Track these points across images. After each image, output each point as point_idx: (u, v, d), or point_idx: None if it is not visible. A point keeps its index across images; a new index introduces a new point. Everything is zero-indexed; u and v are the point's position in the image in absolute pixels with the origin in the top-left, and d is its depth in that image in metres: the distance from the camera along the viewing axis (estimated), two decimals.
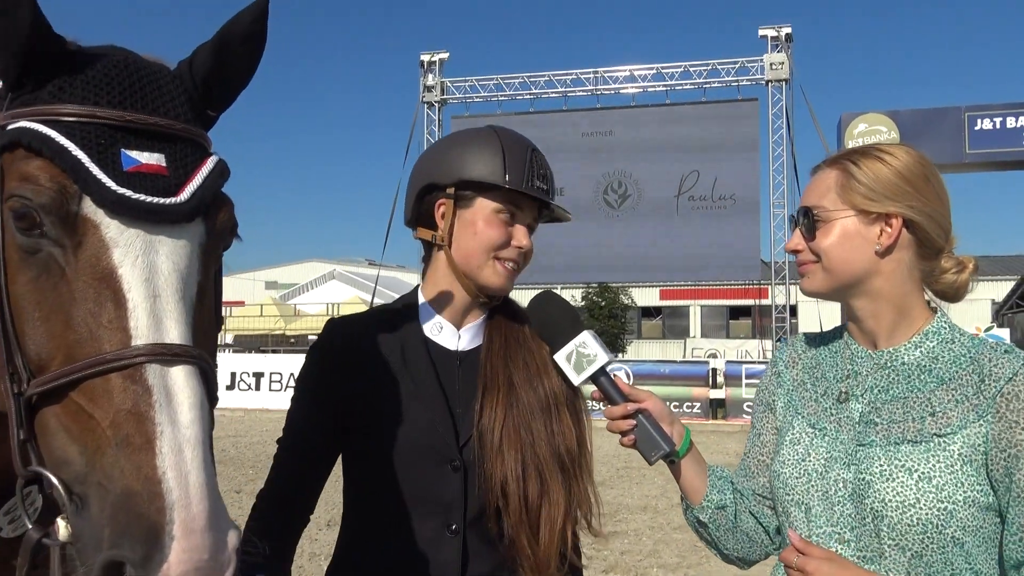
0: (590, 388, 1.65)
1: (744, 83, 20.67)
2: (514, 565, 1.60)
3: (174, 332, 1.10)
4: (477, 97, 22.20)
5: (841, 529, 1.48)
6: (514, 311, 1.79)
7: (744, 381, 16.74)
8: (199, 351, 1.12)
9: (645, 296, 34.22)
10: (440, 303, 1.72)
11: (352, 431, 1.63)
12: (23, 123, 1.11)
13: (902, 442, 1.45)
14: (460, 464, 1.60)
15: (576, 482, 1.66)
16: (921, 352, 1.50)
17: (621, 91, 21.45)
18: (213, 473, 1.05)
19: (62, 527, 1.05)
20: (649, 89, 21.29)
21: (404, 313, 1.73)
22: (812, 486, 1.51)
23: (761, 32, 20.36)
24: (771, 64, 20.14)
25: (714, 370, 17.41)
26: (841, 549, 1.47)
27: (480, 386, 1.65)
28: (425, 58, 22.15)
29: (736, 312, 35.98)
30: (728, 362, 18.05)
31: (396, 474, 1.58)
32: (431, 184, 1.70)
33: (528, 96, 21.80)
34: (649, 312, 37.60)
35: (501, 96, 21.94)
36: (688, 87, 21.09)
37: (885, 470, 1.43)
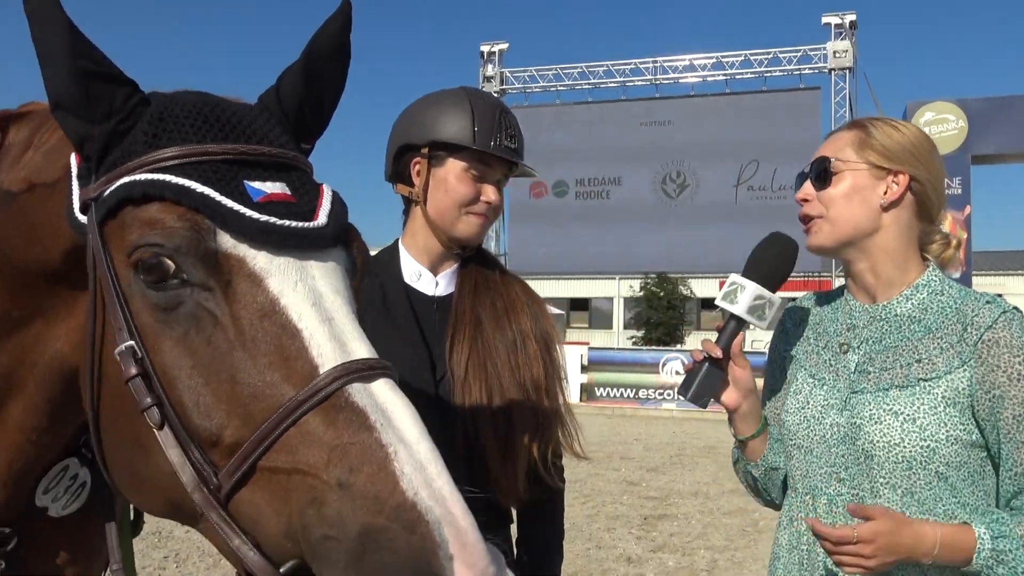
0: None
1: (806, 71, 20.41)
2: (484, 486, 1.72)
3: (362, 349, 0.97)
4: (536, 87, 22.35)
5: (837, 469, 1.61)
6: (485, 258, 1.93)
7: None
8: (390, 363, 0.99)
9: (704, 287, 33.93)
10: (418, 253, 1.86)
11: None
12: (125, 179, 1.00)
13: (890, 387, 1.57)
14: (436, 396, 1.73)
15: (544, 409, 1.79)
16: (912, 304, 1.61)
17: (680, 81, 21.33)
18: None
19: None
20: (709, 78, 21.13)
21: (386, 261, 1.87)
22: (811, 431, 1.65)
23: (824, 19, 20.03)
24: (834, 52, 19.81)
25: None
26: (838, 487, 1.61)
27: (453, 324, 1.79)
28: (485, 48, 22.35)
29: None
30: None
31: None
32: (407, 144, 1.82)
33: (586, 86, 21.84)
34: (708, 303, 37.29)
35: (560, 86, 22.04)
36: (748, 76, 20.88)
37: (874, 414, 1.56)
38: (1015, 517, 1.47)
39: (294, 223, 1.00)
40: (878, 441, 1.54)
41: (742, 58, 20.72)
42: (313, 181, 1.11)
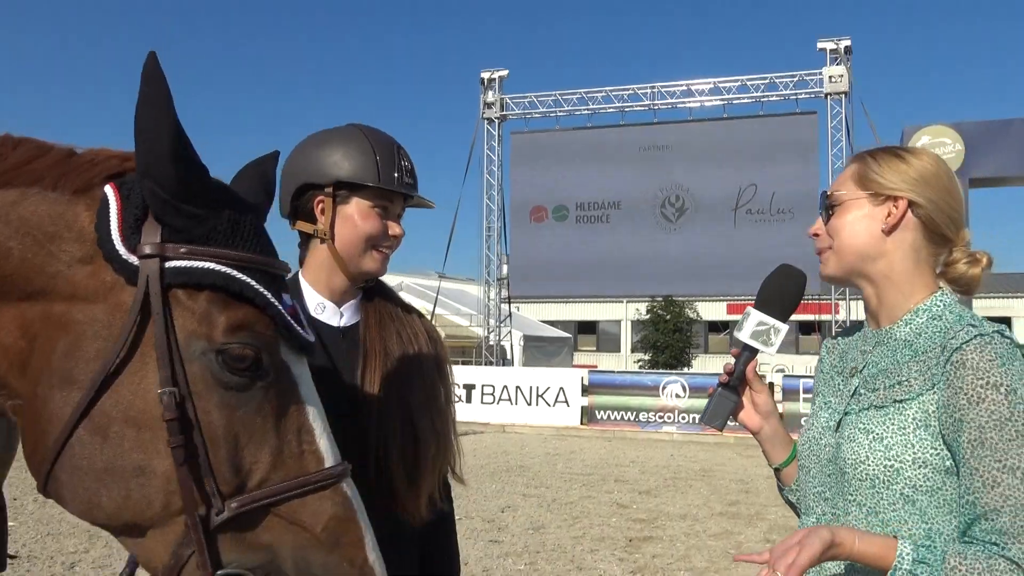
0: None
1: (802, 96, 20.52)
2: (390, 507, 1.81)
3: (339, 453, 1.29)
4: (536, 113, 22.56)
5: (824, 488, 1.66)
6: (383, 290, 2.02)
7: (802, 396, 16.44)
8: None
9: (711, 310, 33.95)
10: (321, 286, 1.92)
11: None
12: (210, 265, 1.18)
13: (870, 408, 1.59)
14: (351, 423, 1.76)
15: (443, 433, 1.90)
16: (910, 328, 1.62)
17: (678, 105, 21.49)
18: None
19: None
20: (706, 103, 21.28)
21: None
22: (811, 451, 1.70)
23: (820, 45, 20.18)
24: (830, 77, 19.97)
25: (771, 384, 17.27)
26: (823, 506, 1.65)
27: (361, 356, 1.87)
28: (485, 75, 22.61)
29: (806, 327, 35.37)
30: (785, 376, 17.87)
31: None
32: (308, 184, 1.87)
33: (586, 111, 22.06)
34: (716, 326, 37.29)
35: (559, 112, 22.25)
36: (746, 100, 21.03)
37: (851, 433, 1.58)
38: (953, 547, 1.44)
39: (310, 338, 1.30)
40: (849, 458, 1.57)
41: (739, 83, 20.90)
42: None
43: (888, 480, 1.51)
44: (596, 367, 25.53)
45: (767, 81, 20.65)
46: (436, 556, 2.00)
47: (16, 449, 1.94)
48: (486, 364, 21.75)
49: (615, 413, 17.66)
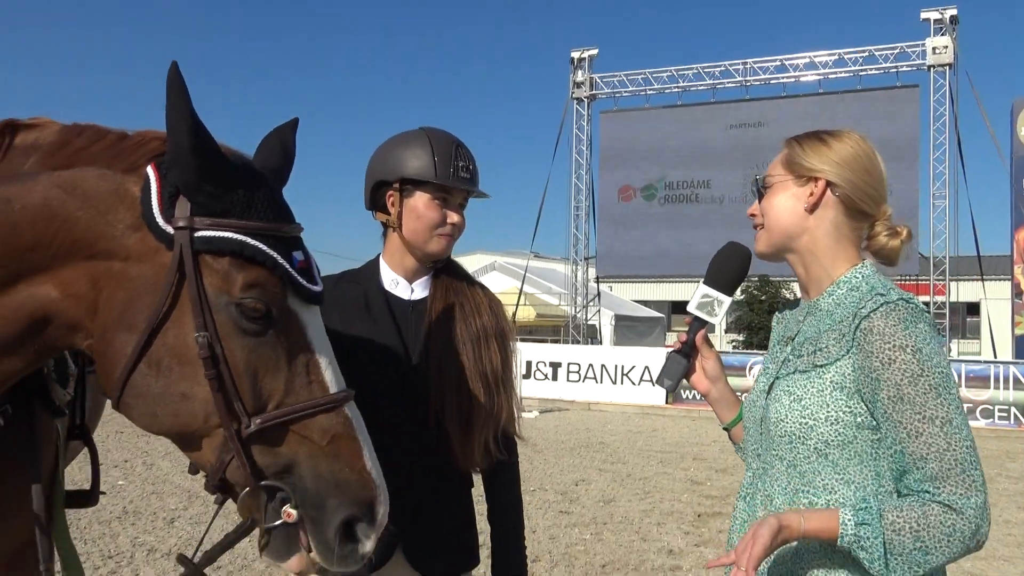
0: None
1: (904, 69, 19.74)
2: (447, 456, 2.11)
3: (344, 382, 1.58)
4: (625, 92, 22.44)
5: (757, 446, 1.83)
6: (453, 269, 2.29)
7: None
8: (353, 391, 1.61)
9: None
10: (396, 266, 2.23)
11: None
12: (229, 234, 1.47)
13: (794, 372, 1.74)
14: (412, 381, 2.10)
15: (498, 395, 2.16)
16: (832, 299, 1.76)
17: (771, 82, 20.98)
18: None
19: (292, 511, 1.48)
20: (801, 79, 20.71)
21: (368, 273, 2.25)
22: (749, 413, 1.88)
23: (923, 15, 19.33)
24: (934, 48, 19.11)
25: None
26: (756, 461, 1.82)
27: (426, 324, 2.16)
28: (575, 55, 22.61)
29: None
30: None
31: (360, 393, 2.11)
32: (381, 180, 2.18)
33: (676, 89, 21.81)
34: None
35: (649, 90, 22.08)
36: (843, 75, 20.36)
37: (777, 395, 1.75)
38: (889, 502, 1.56)
39: (317, 289, 1.58)
40: (772, 418, 1.74)
41: (836, 57, 20.21)
42: (305, 247, 1.64)
43: (803, 436, 1.67)
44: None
45: (866, 54, 19.94)
46: (499, 498, 2.29)
47: (106, 402, 2.22)
48: (573, 343, 21.94)
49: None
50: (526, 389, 17.38)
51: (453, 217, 2.19)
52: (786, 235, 1.81)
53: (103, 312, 1.51)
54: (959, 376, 15.48)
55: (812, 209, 1.78)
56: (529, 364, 18.45)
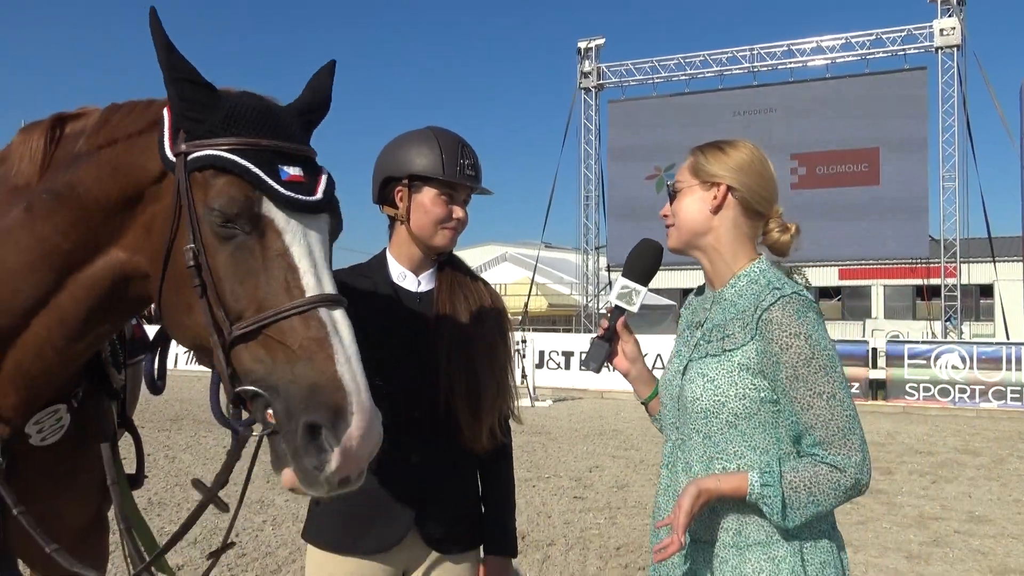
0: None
1: (911, 51, 19.68)
2: (456, 438, 2.23)
3: (331, 287, 1.57)
4: (633, 80, 22.47)
5: (675, 419, 2.06)
6: (455, 262, 2.40)
7: (906, 361, 16.05)
8: (346, 300, 1.59)
9: (823, 276, 33.02)
10: (403, 259, 2.32)
11: None
12: (211, 152, 1.56)
13: (706, 356, 1.98)
14: (422, 369, 2.19)
15: (503, 381, 2.30)
16: (735, 291, 2.00)
17: (779, 67, 20.96)
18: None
19: (271, 413, 1.49)
20: (809, 63, 20.68)
21: (376, 267, 2.34)
22: (666, 390, 2.11)
23: None
24: (941, 30, 19.05)
25: (874, 349, 16.85)
26: (675, 433, 2.05)
27: (434, 314, 2.27)
28: (582, 45, 22.63)
29: (922, 292, 33.99)
30: (889, 342, 17.36)
31: (374, 380, 2.17)
32: (389, 176, 2.28)
33: (683, 77, 21.81)
34: (827, 292, 36.27)
35: (657, 78, 22.09)
36: (850, 59, 20.32)
37: (691, 376, 1.99)
38: (788, 464, 1.85)
39: (303, 197, 1.59)
40: (689, 396, 1.97)
41: (843, 41, 20.18)
42: (318, 166, 1.70)
43: (716, 411, 1.92)
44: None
45: (873, 37, 19.90)
46: (496, 478, 2.40)
47: (140, 390, 2.37)
48: (586, 332, 22.02)
49: None
50: (539, 378, 17.48)
51: (458, 212, 2.30)
52: (694, 233, 2.06)
53: (152, 252, 1.68)
54: (972, 358, 15.53)
55: (716, 210, 2.03)
56: (542, 354, 18.55)
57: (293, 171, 1.60)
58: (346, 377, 1.46)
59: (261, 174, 1.55)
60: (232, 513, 1.93)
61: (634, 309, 2.18)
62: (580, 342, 19.48)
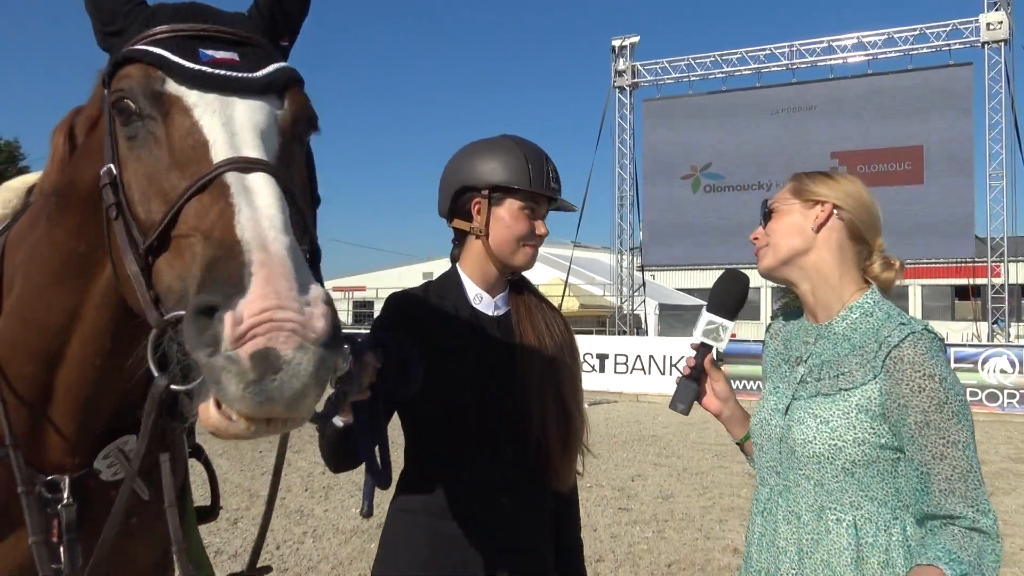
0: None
1: (956, 47, 19.15)
2: (544, 478, 2.08)
3: (250, 151, 1.25)
4: (668, 79, 22.15)
5: (775, 463, 1.91)
6: (526, 283, 2.25)
7: (952, 365, 15.61)
8: (281, 171, 1.27)
9: None
10: (477, 277, 2.14)
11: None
12: (120, 53, 1.36)
13: (817, 395, 1.84)
14: (505, 405, 2.02)
15: (581, 411, 2.15)
16: (846, 324, 1.86)
17: (818, 64, 20.52)
18: (293, 238, 1.16)
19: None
20: (849, 60, 20.22)
21: (451, 286, 2.16)
22: (762, 431, 1.96)
23: None
24: (987, 24, 18.51)
25: None
26: (775, 478, 1.88)
27: (517, 344, 2.10)
28: (616, 43, 22.35)
29: (964, 292, 33.29)
30: None
31: (453, 417, 2.02)
32: (466, 187, 2.12)
33: (720, 75, 21.47)
34: None
35: (692, 76, 21.76)
36: (892, 55, 19.83)
37: (801, 417, 1.84)
38: (947, 539, 1.64)
39: (221, 71, 1.32)
40: (798, 439, 1.83)
41: (885, 36, 19.67)
42: (271, 57, 1.41)
43: (831, 456, 1.77)
44: (735, 336, 24.80)
45: (916, 32, 19.40)
46: (567, 514, 2.28)
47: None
48: (619, 334, 21.78)
49: (751, 383, 17.29)
50: None
51: (541, 228, 2.15)
52: (792, 250, 1.92)
53: None
54: (1022, 362, 15.08)
55: (819, 228, 1.90)
56: None
57: (221, 54, 1.35)
58: (247, 239, 1.12)
59: (166, 53, 1.31)
60: (259, 529, 1.83)
61: (722, 346, 2.07)
62: (615, 344, 19.26)
